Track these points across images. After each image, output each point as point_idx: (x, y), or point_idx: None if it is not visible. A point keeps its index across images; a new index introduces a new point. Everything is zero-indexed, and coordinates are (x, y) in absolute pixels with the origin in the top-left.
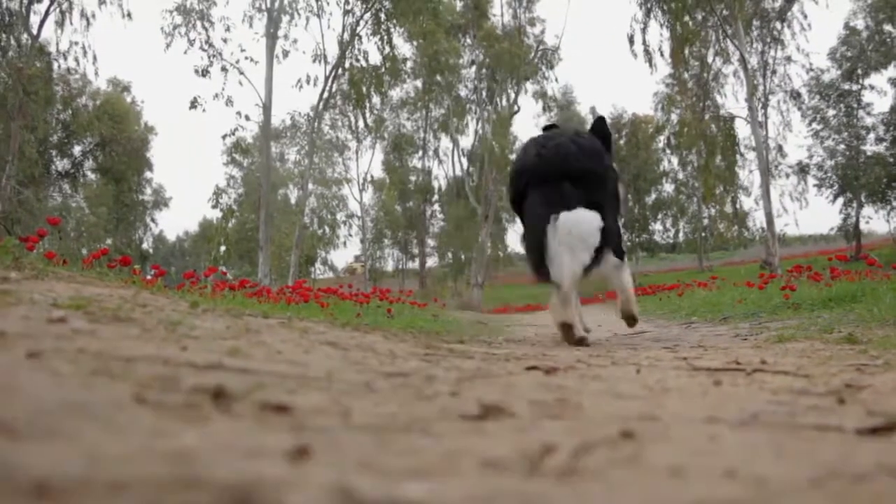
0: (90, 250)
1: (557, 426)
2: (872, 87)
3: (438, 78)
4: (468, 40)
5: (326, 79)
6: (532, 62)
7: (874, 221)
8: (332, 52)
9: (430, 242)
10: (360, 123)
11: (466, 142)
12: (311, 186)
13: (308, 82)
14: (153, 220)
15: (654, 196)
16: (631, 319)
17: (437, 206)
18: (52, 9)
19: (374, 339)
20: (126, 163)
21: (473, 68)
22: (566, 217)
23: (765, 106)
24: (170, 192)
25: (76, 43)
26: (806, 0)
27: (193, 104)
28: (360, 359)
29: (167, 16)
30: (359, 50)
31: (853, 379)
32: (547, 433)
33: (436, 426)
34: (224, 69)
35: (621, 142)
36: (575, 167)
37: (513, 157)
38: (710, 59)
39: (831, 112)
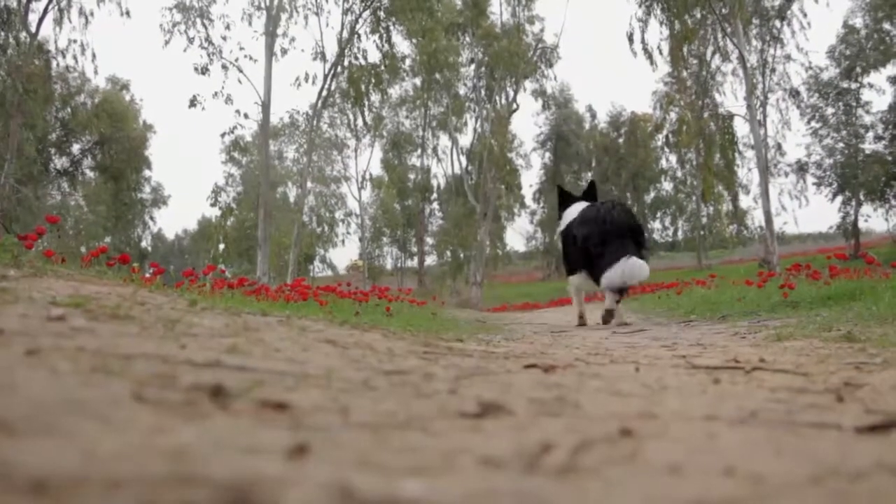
0: (89, 248)
1: (556, 424)
2: (871, 86)
3: (437, 76)
4: (467, 38)
5: (325, 77)
6: (531, 60)
7: (873, 220)
8: (331, 50)
9: (429, 241)
10: (359, 121)
11: (465, 140)
12: (309, 185)
13: (307, 80)
14: (152, 218)
15: (652, 194)
16: (611, 315)
17: (435, 205)
18: (50, 7)
19: (373, 338)
20: (125, 161)
21: (472, 66)
22: (633, 261)
23: (764, 104)
24: (168, 190)
25: (74, 41)
26: None
27: (193, 102)
28: (359, 357)
29: (166, 13)
30: (358, 48)
31: (852, 377)
32: (545, 431)
33: (434, 424)
34: (224, 67)
35: (620, 140)
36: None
37: (511, 155)
38: (709, 58)
39: (830, 110)
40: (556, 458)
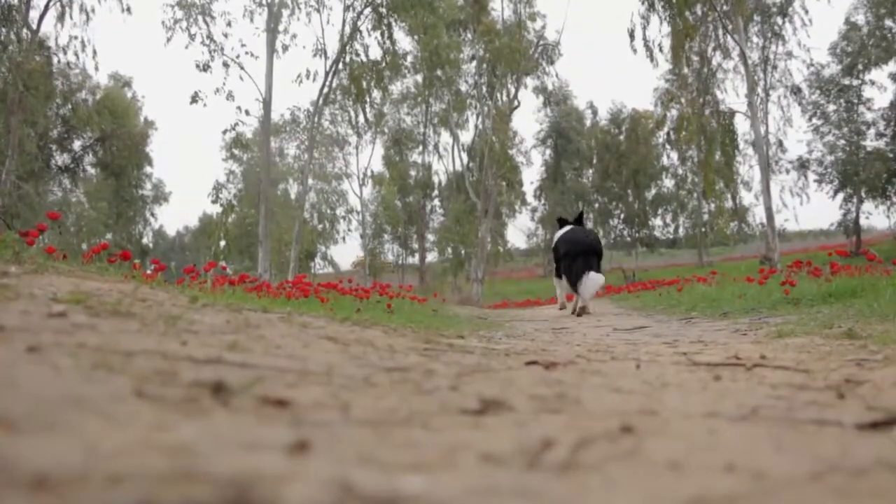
0: (90, 245)
1: (557, 421)
2: (873, 83)
3: (439, 73)
4: (469, 35)
5: (326, 74)
6: (532, 57)
7: (874, 217)
8: (333, 46)
9: (430, 237)
10: (360, 118)
11: (466, 137)
12: (310, 181)
13: (308, 77)
14: (153, 214)
15: (653, 191)
16: (584, 310)
17: (436, 202)
18: (51, 3)
19: (374, 334)
20: (126, 158)
21: (474, 63)
22: (592, 275)
23: (765, 101)
24: (170, 186)
25: (76, 37)
26: None
27: (194, 99)
28: (360, 353)
29: (168, 10)
30: (359, 45)
31: (853, 374)
32: (546, 428)
33: (435, 420)
34: (225, 64)
35: (621, 137)
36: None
37: (512, 152)
38: (710, 55)
39: (832, 107)
40: (556, 454)
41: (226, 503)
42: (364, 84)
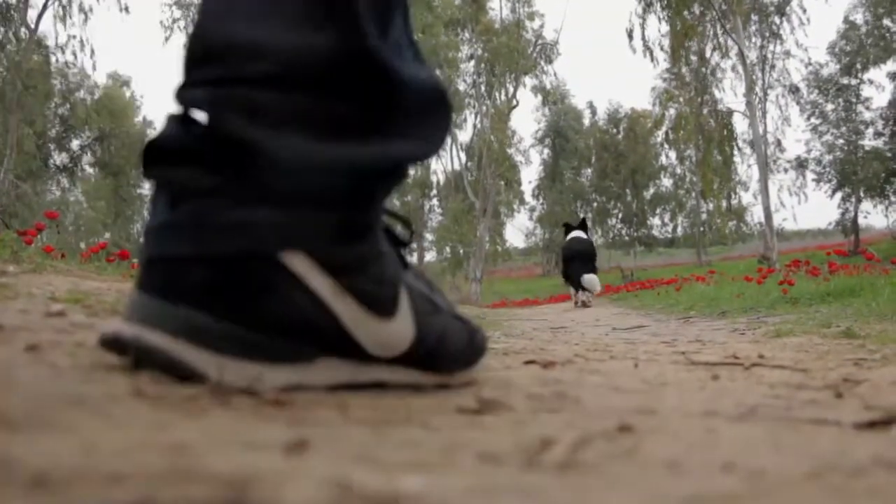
0: (88, 244)
1: (555, 420)
2: (871, 82)
3: (437, 72)
4: (467, 34)
5: None
6: (531, 57)
7: (872, 216)
8: None
9: (429, 237)
10: None
11: (465, 136)
12: None
13: None
14: None
15: (652, 191)
16: (585, 304)
17: (435, 201)
18: (49, 3)
19: None
20: (124, 157)
21: (472, 62)
22: (588, 276)
23: (763, 100)
24: None
25: (74, 36)
26: None
27: None
28: None
29: (166, 9)
30: None
31: (851, 373)
32: (545, 427)
33: (434, 420)
34: None
35: (619, 136)
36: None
37: (511, 151)
38: (708, 54)
39: (830, 107)
40: (555, 453)
41: (224, 502)
42: None
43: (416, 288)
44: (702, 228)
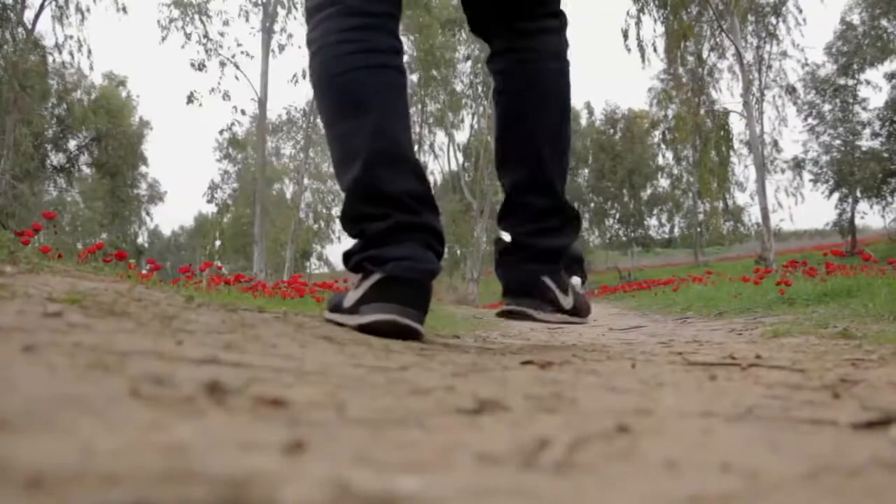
0: (85, 245)
1: (553, 420)
2: (868, 82)
3: (434, 72)
4: (463, 35)
5: None
6: None
7: (869, 217)
8: None
9: None
10: None
11: (462, 136)
12: (306, 181)
13: (304, 77)
14: (148, 214)
15: (649, 191)
16: None
17: None
18: (46, 2)
19: (370, 334)
20: (121, 157)
21: (469, 63)
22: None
23: (760, 101)
24: (165, 186)
25: (71, 36)
26: None
27: (191, 99)
28: (356, 353)
29: (164, 9)
30: None
31: (848, 373)
32: (542, 427)
33: (431, 420)
34: (221, 64)
35: (616, 137)
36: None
37: None
38: (705, 55)
39: (827, 107)
40: (552, 454)
41: (221, 503)
42: None
43: (570, 284)
44: (699, 229)
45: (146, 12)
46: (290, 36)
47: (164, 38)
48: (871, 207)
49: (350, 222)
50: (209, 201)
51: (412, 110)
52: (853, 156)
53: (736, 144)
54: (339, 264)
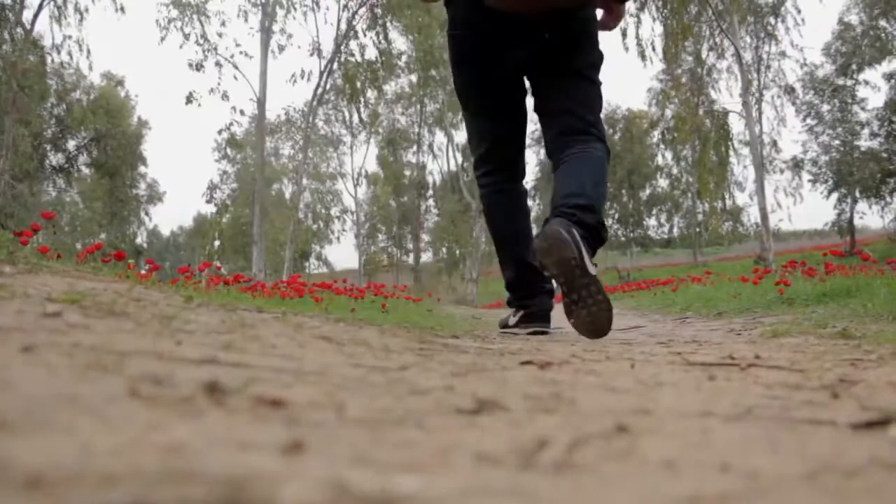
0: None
1: (552, 420)
2: (867, 83)
3: (433, 72)
4: None
5: (321, 73)
6: None
7: (868, 217)
8: (328, 46)
9: (425, 237)
10: (355, 118)
11: (461, 137)
12: (305, 181)
13: (302, 77)
14: (147, 214)
15: (648, 191)
16: None
17: (431, 201)
18: (45, 3)
19: (369, 334)
20: (120, 157)
21: None
22: None
23: (759, 101)
24: (164, 186)
25: (70, 36)
26: None
27: (189, 99)
28: (355, 353)
29: (162, 9)
30: (356, 44)
31: (847, 374)
32: (541, 427)
33: (430, 420)
34: (219, 64)
35: (615, 137)
36: None
37: None
38: (704, 55)
39: (825, 107)
40: (551, 454)
41: (220, 503)
42: (358, 84)
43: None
44: (698, 229)
45: (145, 12)
46: (289, 36)
47: (162, 39)
48: (870, 207)
49: (512, 291)
50: (208, 201)
51: (411, 110)
52: (852, 156)
53: (735, 144)
54: (337, 264)
